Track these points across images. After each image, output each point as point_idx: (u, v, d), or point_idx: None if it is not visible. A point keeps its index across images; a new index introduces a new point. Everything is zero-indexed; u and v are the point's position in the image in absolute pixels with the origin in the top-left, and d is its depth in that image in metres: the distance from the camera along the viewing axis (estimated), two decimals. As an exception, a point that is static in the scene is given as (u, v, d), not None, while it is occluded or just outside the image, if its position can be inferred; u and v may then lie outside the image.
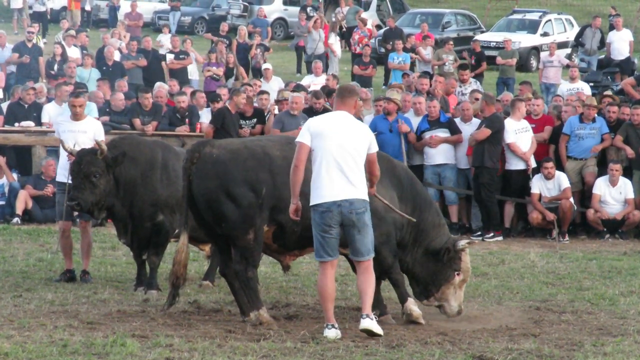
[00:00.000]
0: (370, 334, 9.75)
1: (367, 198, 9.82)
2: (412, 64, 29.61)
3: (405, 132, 18.18)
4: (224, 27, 33.11)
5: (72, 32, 29.23)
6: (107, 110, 19.73)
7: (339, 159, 9.70)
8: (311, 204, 9.77)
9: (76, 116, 13.10)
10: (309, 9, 37.65)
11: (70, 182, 12.52)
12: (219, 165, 10.33)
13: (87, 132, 12.94)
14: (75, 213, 12.76)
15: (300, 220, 10.08)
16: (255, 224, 10.29)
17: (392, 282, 10.84)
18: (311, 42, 31.91)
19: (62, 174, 13.07)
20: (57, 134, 13.32)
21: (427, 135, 18.32)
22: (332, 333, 9.72)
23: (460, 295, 11.00)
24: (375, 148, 9.95)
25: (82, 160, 12.11)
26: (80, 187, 12.07)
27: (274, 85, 23.41)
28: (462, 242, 10.94)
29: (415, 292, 11.07)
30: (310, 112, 19.11)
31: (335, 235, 9.75)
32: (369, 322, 9.74)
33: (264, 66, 26.28)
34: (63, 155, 13.02)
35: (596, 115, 18.38)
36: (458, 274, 10.90)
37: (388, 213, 10.61)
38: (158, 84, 21.65)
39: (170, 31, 33.85)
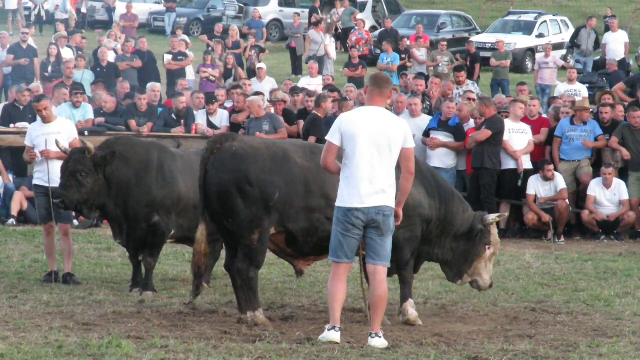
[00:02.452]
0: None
1: (394, 204, 9.50)
2: (405, 66, 29.63)
3: None
4: (219, 27, 33.04)
5: (64, 33, 29.20)
6: (102, 112, 19.71)
7: (370, 163, 9.33)
8: (337, 203, 9.49)
9: (45, 119, 13.04)
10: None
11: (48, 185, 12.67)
12: (236, 159, 10.18)
13: (61, 133, 12.90)
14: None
15: (315, 230, 10.02)
16: (262, 225, 10.16)
17: (401, 279, 10.73)
18: (313, 44, 31.86)
19: (40, 178, 13.03)
20: (28, 141, 13.10)
21: (431, 135, 18.34)
22: (336, 336, 9.53)
23: (491, 268, 11.10)
24: (411, 144, 9.47)
25: (70, 159, 12.09)
26: (66, 185, 12.04)
27: (266, 86, 23.34)
28: (492, 217, 11.07)
29: (449, 276, 11.11)
30: (305, 113, 19.13)
31: (356, 237, 9.45)
32: (378, 342, 9.52)
33: (257, 65, 26.22)
34: (39, 158, 12.98)
35: (589, 118, 18.38)
36: (489, 248, 10.98)
37: (416, 210, 10.55)
38: (150, 84, 21.61)
39: (183, 32, 33.52)
